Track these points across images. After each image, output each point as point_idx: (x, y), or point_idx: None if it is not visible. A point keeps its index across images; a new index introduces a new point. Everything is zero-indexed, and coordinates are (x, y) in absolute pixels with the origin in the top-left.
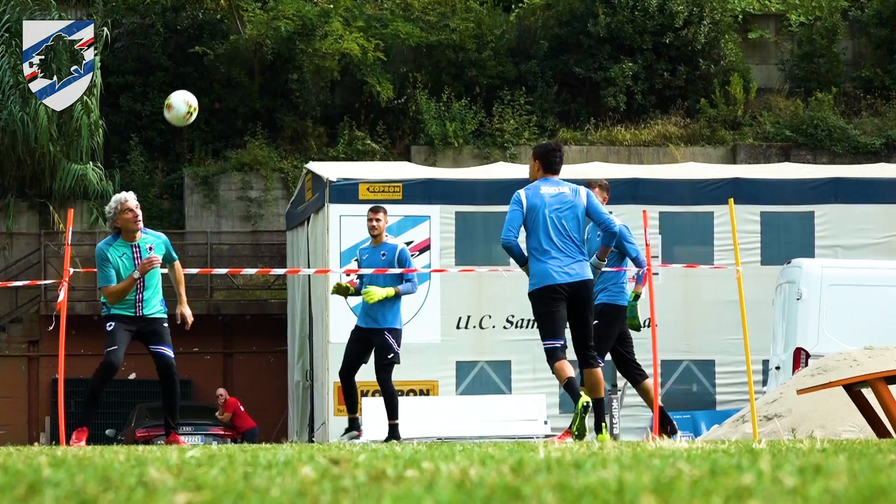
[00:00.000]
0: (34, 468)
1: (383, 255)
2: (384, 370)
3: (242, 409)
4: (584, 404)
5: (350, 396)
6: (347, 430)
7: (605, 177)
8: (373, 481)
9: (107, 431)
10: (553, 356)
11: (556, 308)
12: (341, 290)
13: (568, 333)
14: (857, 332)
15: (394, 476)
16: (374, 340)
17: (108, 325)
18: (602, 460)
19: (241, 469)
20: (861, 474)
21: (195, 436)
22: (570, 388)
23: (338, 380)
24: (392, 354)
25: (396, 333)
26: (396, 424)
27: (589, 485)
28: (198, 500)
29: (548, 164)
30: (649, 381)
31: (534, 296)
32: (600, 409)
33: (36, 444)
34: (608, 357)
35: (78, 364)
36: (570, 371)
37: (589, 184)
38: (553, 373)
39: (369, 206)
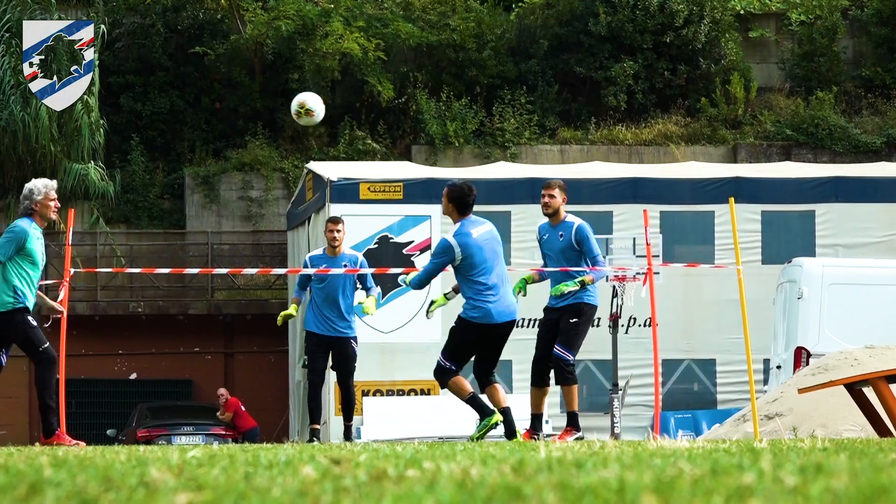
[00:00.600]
0: (35, 468)
1: (345, 265)
2: (350, 377)
3: (243, 408)
4: (497, 422)
5: (318, 408)
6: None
7: (606, 176)
8: (374, 481)
9: (108, 431)
10: (448, 373)
11: (477, 343)
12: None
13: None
14: (857, 331)
15: (395, 476)
16: (340, 348)
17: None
18: (603, 460)
19: (242, 469)
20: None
21: (196, 436)
22: (475, 403)
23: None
24: (355, 362)
25: (356, 341)
26: (351, 426)
27: (590, 484)
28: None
29: (464, 206)
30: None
31: (469, 326)
32: (509, 417)
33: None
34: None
35: (79, 364)
36: (469, 386)
37: (548, 185)
38: (448, 388)
39: (370, 204)
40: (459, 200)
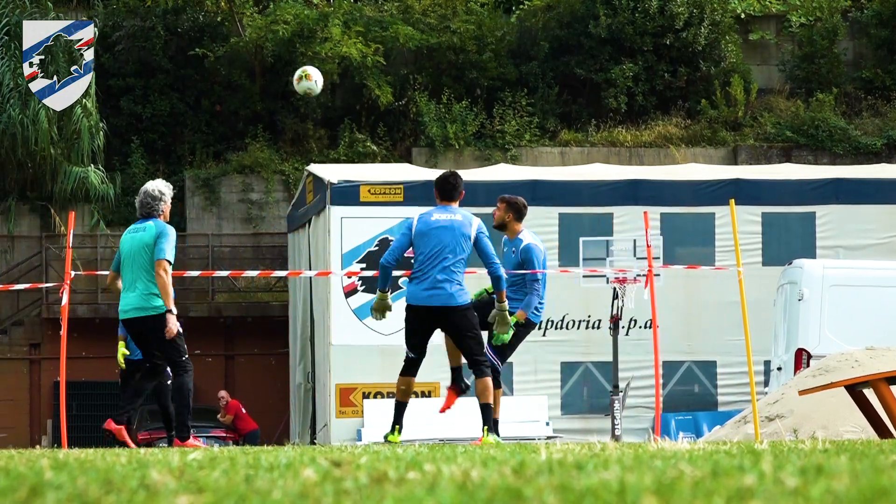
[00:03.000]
0: (36, 471)
1: None
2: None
3: (244, 411)
4: (391, 442)
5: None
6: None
7: (607, 178)
8: (374, 483)
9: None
10: (406, 363)
11: (414, 327)
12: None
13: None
14: (858, 332)
15: (395, 478)
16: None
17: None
18: (604, 461)
19: (242, 471)
20: (863, 475)
21: (197, 438)
22: (396, 410)
23: (339, 382)
24: None
25: None
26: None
27: (591, 486)
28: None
29: (442, 192)
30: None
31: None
32: (486, 414)
33: (38, 446)
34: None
35: (79, 367)
36: (407, 395)
37: (502, 199)
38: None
39: (371, 206)
40: (439, 186)
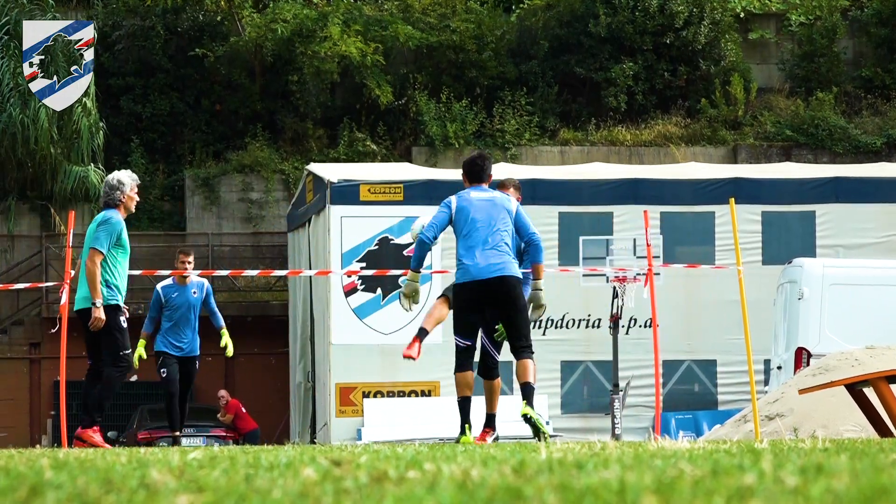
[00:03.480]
0: (36, 470)
1: (195, 292)
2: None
3: (244, 410)
4: (464, 443)
5: (174, 417)
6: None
7: (606, 177)
8: (374, 482)
9: (108, 434)
10: (462, 353)
11: (469, 307)
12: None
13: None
14: (858, 331)
15: (395, 477)
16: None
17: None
18: (604, 460)
19: (242, 471)
20: (863, 474)
21: (197, 437)
22: (461, 408)
23: (340, 381)
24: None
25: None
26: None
27: (591, 485)
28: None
29: (471, 174)
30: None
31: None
32: (528, 391)
33: (38, 446)
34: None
35: (79, 366)
36: (468, 389)
37: (502, 184)
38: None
39: (371, 205)
40: (468, 168)
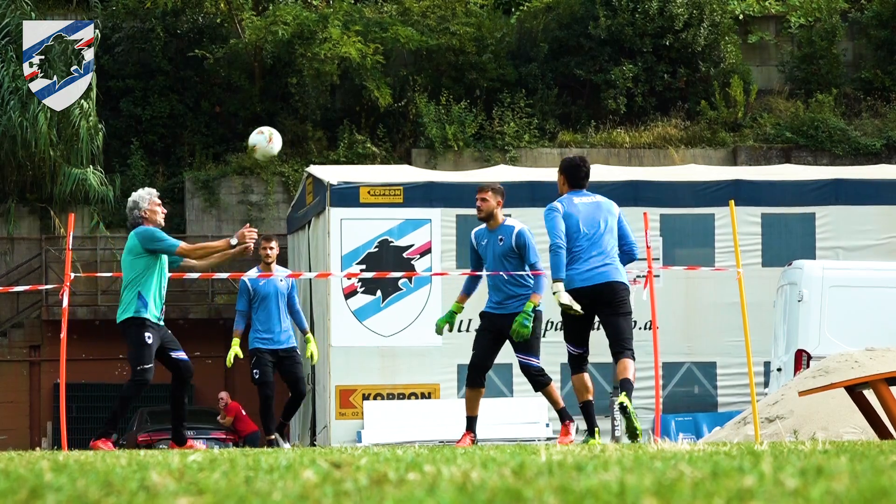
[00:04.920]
0: (36, 473)
1: (281, 280)
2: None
3: (244, 412)
4: (594, 444)
5: (270, 420)
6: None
7: (606, 179)
8: (374, 485)
9: None
10: (575, 360)
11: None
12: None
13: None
14: (858, 333)
15: (395, 479)
16: (289, 364)
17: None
18: (604, 463)
19: (242, 473)
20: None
21: (197, 440)
22: (585, 413)
23: (339, 383)
24: None
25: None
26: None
27: (590, 487)
28: None
29: (573, 179)
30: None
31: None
32: (627, 385)
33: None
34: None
35: (79, 369)
36: (588, 393)
37: (481, 188)
38: (572, 384)
39: (370, 207)
40: (568, 171)
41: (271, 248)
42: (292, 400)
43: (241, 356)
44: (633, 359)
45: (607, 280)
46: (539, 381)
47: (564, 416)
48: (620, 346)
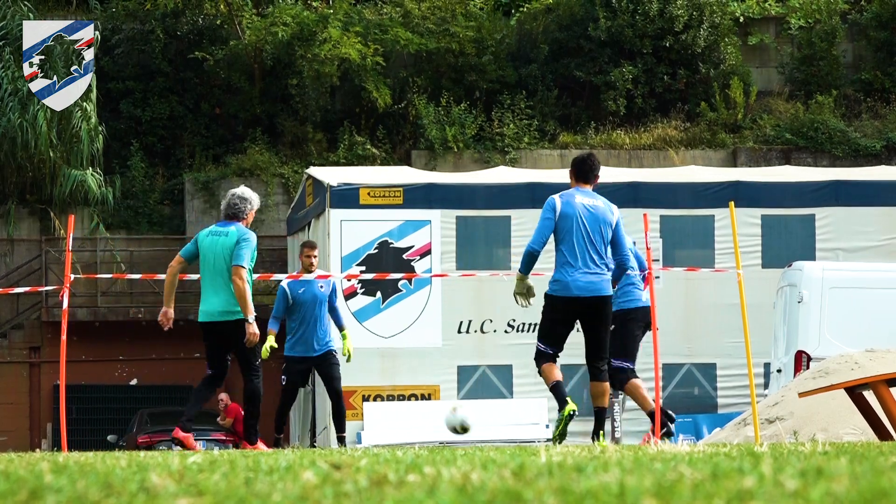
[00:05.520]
0: (36, 474)
1: (321, 286)
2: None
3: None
4: (570, 413)
5: (281, 421)
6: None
7: (606, 180)
8: (374, 486)
9: (108, 437)
10: (542, 357)
11: (563, 320)
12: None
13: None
14: (858, 334)
15: (395, 481)
16: (326, 368)
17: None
18: (604, 464)
19: (242, 474)
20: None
21: (197, 441)
22: (556, 392)
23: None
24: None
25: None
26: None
27: (590, 488)
28: None
29: (580, 173)
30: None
31: (550, 300)
32: (601, 418)
33: (38, 450)
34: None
35: (79, 370)
36: (558, 374)
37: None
38: (540, 374)
39: (370, 209)
40: (577, 167)
41: (315, 256)
42: (333, 405)
43: (276, 346)
44: (607, 379)
45: (602, 295)
46: (616, 381)
47: (654, 418)
48: (598, 357)
